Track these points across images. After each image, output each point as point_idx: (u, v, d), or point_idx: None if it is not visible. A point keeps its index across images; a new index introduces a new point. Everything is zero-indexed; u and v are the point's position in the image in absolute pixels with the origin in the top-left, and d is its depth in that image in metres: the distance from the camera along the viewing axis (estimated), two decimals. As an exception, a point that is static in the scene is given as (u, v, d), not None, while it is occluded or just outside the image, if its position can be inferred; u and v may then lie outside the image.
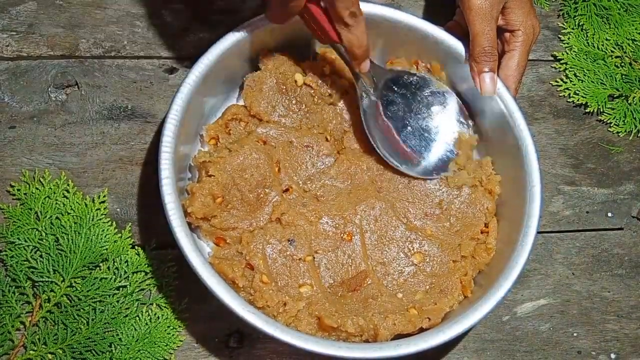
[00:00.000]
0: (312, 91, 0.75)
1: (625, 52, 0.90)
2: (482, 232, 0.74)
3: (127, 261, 0.72)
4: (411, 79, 0.77)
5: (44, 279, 0.71)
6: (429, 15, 0.88)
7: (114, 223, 0.74)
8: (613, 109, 0.88)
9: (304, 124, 0.75)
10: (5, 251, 0.72)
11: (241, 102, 0.76)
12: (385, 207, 0.73)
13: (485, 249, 0.73)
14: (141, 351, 0.70)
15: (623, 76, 0.89)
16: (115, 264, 0.72)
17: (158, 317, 0.72)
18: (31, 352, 0.69)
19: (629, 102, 0.88)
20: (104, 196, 0.75)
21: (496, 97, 0.73)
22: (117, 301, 0.71)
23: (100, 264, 0.72)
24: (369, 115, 0.74)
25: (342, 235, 0.71)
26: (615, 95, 0.88)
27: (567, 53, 0.90)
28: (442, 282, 0.71)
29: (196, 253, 0.64)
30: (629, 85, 0.88)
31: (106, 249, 0.72)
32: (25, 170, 0.75)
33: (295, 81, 0.75)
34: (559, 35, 0.91)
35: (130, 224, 0.75)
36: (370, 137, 0.74)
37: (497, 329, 0.78)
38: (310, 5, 0.64)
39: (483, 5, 0.71)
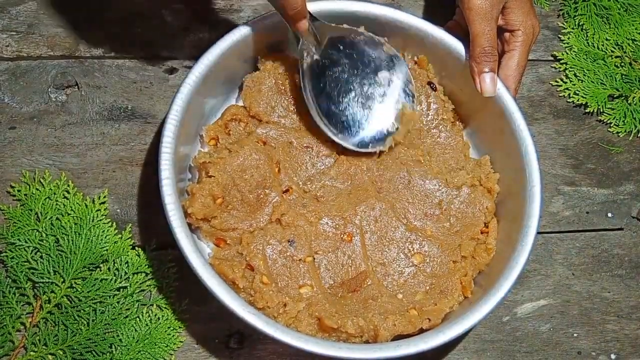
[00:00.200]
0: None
1: (625, 52, 0.90)
2: (482, 233, 0.75)
3: (127, 262, 0.72)
4: (359, 37, 0.72)
5: (44, 280, 0.71)
6: (428, 15, 0.88)
7: (114, 224, 0.74)
8: (613, 109, 0.88)
9: (303, 125, 0.75)
10: (6, 252, 0.72)
11: (241, 103, 0.76)
12: (385, 207, 0.73)
13: (485, 249, 0.73)
14: (141, 352, 0.70)
15: (623, 76, 0.89)
16: (116, 264, 0.72)
17: (158, 318, 0.72)
18: (31, 353, 0.69)
19: (629, 102, 0.88)
20: (104, 197, 0.75)
21: (496, 97, 0.73)
22: (118, 302, 0.71)
23: (101, 265, 0.72)
24: (308, 76, 0.70)
25: (342, 236, 0.71)
26: (615, 95, 0.88)
27: (567, 53, 0.89)
28: (442, 283, 0.71)
29: (196, 254, 0.64)
30: (629, 85, 0.88)
31: (106, 250, 0.72)
32: (25, 171, 0.75)
33: (295, 82, 0.75)
34: (559, 35, 0.91)
35: (130, 224, 0.75)
36: (307, 100, 0.71)
37: (497, 329, 0.78)
38: None
39: (483, 5, 0.71)
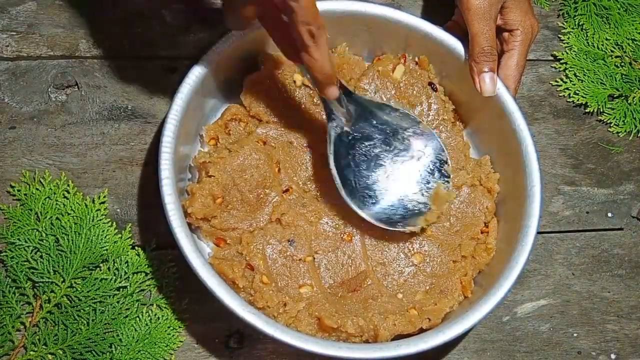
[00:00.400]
0: (311, 92, 0.75)
1: (625, 52, 0.90)
2: (482, 232, 0.75)
3: (127, 262, 0.72)
4: (393, 113, 0.72)
5: (44, 280, 0.71)
6: (428, 15, 0.88)
7: (114, 223, 0.74)
8: (613, 109, 0.88)
9: (303, 125, 0.75)
10: (6, 252, 0.72)
11: (241, 103, 0.76)
12: (386, 207, 0.73)
13: (485, 249, 0.73)
14: (141, 352, 0.70)
15: (623, 76, 0.89)
16: (116, 264, 0.72)
17: (158, 318, 0.72)
18: (31, 352, 0.69)
19: (629, 102, 0.88)
20: (104, 197, 0.75)
21: (496, 97, 0.73)
22: (118, 302, 0.71)
23: (101, 265, 0.72)
24: (338, 145, 0.69)
25: (342, 235, 0.71)
26: (615, 95, 0.88)
27: (567, 53, 0.89)
28: (442, 283, 0.71)
29: (196, 254, 0.64)
30: (629, 85, 0.88)
31: (106, 250, 0.72)
32: (25, 171, 0.75)
33: (295, 82, 0.75)
34: (559, 35, 0.91)
35: (130, 224, 0.75)
36: (333, 169, 0.69)
37: (497, 329, 0.78)
38: (263, 21, 0.59)
39: (482, 5, 0.71)
